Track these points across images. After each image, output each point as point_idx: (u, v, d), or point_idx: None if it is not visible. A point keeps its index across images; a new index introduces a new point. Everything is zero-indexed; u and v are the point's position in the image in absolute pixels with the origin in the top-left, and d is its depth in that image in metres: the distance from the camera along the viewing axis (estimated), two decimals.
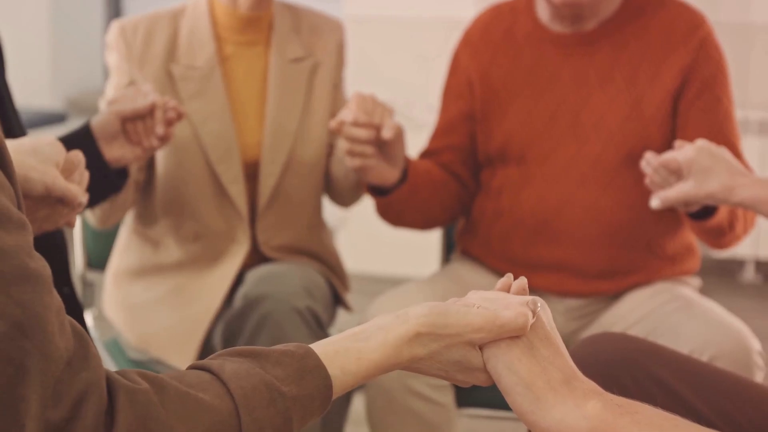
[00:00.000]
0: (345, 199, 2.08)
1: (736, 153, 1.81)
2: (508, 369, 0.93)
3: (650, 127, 1.84)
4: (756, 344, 1.66)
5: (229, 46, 1.95)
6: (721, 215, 1.74)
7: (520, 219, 1.91)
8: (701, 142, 1.61)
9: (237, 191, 1.91)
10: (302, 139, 1.96)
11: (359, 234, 4.06)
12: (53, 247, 1.46)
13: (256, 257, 1.97)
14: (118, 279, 1.99)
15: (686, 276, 1.94)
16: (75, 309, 1.51)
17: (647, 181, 1.68)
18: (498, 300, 0.97)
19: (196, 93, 1.90)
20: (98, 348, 2.07)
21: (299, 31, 2.01)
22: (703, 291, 1.97)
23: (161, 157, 1.91)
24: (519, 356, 0.93)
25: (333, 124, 1.76)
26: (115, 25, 1.93)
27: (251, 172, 1.94)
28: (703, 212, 1.74)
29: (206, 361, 0.86)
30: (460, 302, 0.98)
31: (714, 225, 1.75)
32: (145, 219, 1.97)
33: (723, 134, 1.82)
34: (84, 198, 1.31)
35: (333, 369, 0.88)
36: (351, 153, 1.76)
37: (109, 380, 0.77)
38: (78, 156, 1.33)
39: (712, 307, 1.77)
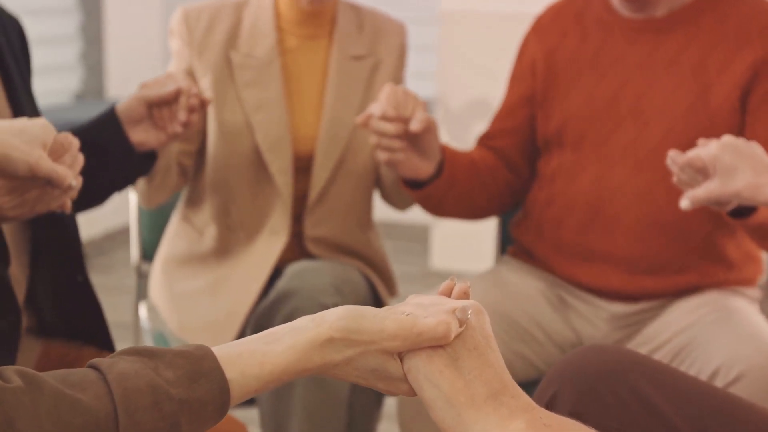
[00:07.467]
0: (396, 200, 2.06)
1: None
2: (429, 382, 0.88)
3: (716, 118, 1.75)
4: None
5: (292, 39, 1.96)
6: (763, 214, 1.60)
7: (572, 204, 1.85)
8: (726, 138, 1.50)
9: (284, 182, 1.90)
10: (358, 135, 1.94)
11: (453, 231, 4.01)
12: (65, 235, 1.48)
13: (299, 252, 1.96)
14: (165, 266, 2.02)
15: (744, 286, 1.82)
16: (89, 297, 1.53)
17: (674, 180, 1.58)
18: (431, 306, 0.91)
19: (252, 81, 1.91)
20: (146, 340, 2.11)
21: (362, 29, 2.00)
22: None
23: (212, 142, 1.92)
24: (441, 368, 0.88)
25: (360, 118, 1.74)
26: (179, 11, 1.96)
27: (302, 165, 1.93)
28: (746, 210, 1.62)
29: (101, 359, 0.83)
30: (396, 307, 0.93)
31: (755, 224, 1.61)
32: (192, 204, 2.00)
33: None
34: (75, 181, 1.29)
35: (232, 372, 0.84)
36: (379, 147, 1.74)
37: None
38: (68, 138, 1.32)
39: (755, 320, 1.64)
